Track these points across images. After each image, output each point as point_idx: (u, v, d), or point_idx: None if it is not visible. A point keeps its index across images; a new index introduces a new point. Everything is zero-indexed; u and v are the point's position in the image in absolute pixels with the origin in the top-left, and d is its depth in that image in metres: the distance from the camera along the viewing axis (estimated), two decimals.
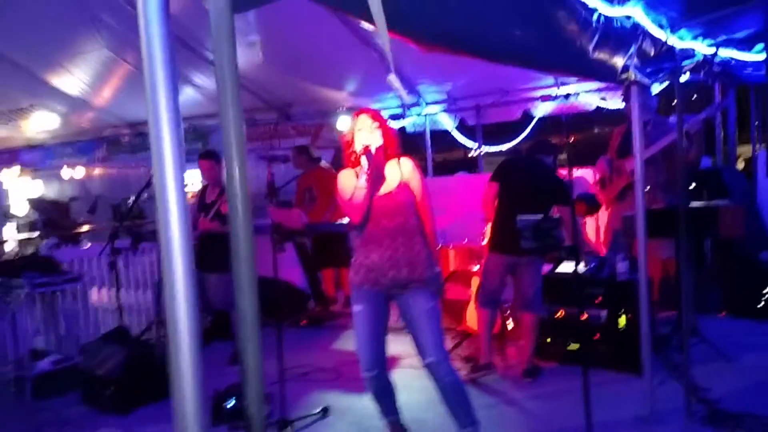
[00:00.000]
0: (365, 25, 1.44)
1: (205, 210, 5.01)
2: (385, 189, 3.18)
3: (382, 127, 3.19)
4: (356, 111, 3.33)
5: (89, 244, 6.08)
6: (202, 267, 4.64)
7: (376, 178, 3.12)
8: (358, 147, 3.15)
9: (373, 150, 3.08)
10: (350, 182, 3.19)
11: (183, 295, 1.22)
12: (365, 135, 3.14)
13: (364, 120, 3.18)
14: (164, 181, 1.20)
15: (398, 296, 3.17)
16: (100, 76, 6.68)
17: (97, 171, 9.24)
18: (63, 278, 4.78)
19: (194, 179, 5.48)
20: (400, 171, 3.19)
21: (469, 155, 8.35)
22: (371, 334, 3.19)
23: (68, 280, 4.82)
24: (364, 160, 3.08)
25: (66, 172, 9.28)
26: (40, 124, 7.79)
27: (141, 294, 5.77)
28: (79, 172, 9.20)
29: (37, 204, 6.08)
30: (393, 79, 1.84)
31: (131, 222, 5.69)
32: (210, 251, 4.63)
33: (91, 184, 9.23)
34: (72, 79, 6.73)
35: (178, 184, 1.22)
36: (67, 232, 5.91)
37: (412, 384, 4.07)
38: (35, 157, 9.28)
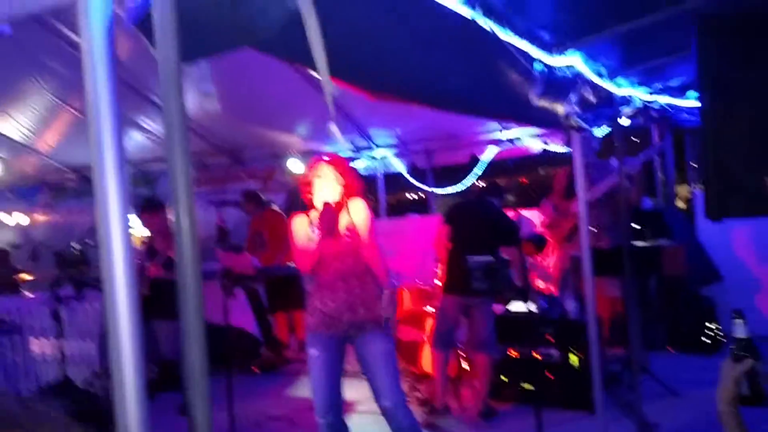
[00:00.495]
0: (313, 73, 1.47)
1: (154, 256, 4.91)
2: (338, 230, 3.18)
3: (345, 174, 3.20)
4: (317, 157, 3.33)
5: (31, 294, 5.86)
6: (152, 315, 4.52)
7: (329, 231, 3.12)
8: (316, 198, 3.16)
9: (330, 204, 3.10)
10: (303, 230, 3.19)
11: (129, 346, 1.19)
12: (324, 186, 3.15)
13: (325, 170, 3.18)
14: (108, 228, 1.18)
15: (354, 339, 3.15)
16: (43, 121, 6.54)
17: (40, 217, 8.95)
18: (2, 329, 4.58)
19: (139, 225, 5.37)
20: (350, 213, 3.21)
21: (419, 197, 8.46)
22: (326, 379, 3.15)
23: (6, 331, 4.61)
24: (318, 213, 3.10)
25: (6, 219, 8.95)
26: None
27: (85, 344, 5.55)
28: (20, 219, 8.89)
29: None
30: (333, 129, 1.88)
31: (75, 269, 5.51)
32: (160, 298, 4.51)
33: (34, 230, 8.93)
34: (14, 124, 6.56)
35: (122, 230, 1.21)
36: (6, 281, 5.68)
37: (369, 430, 4.01)
38: None
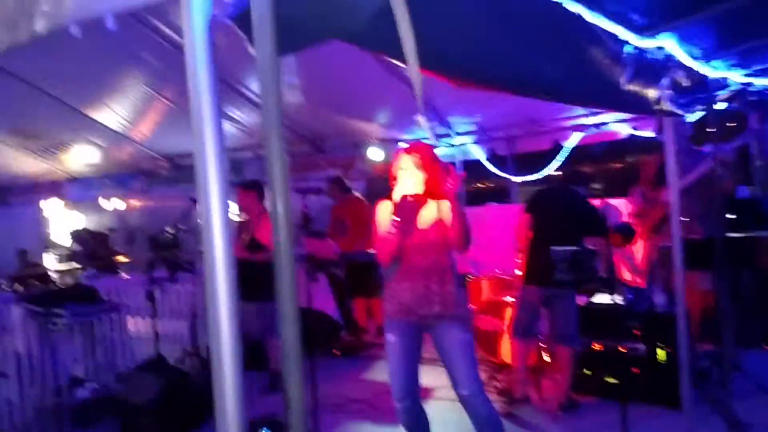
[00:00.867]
0: (398, 63, 1.48)
1: (240, 236, 5.07)
2: (421, 225, 3.18)
3: (429, 167, 3.13)
4: (401, 148, 3.28)
5: (127, 275, 6.21)
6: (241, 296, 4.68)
7: (407, 224, 3.11)
8: (396, 190, 3.12)
9: (407, 197, 3.08)
10: (385, 216, 3.19)
11: (227, 326, 1.25)
12: (406, 177, 3.12)
13: (408, 161, 3.15)
14: (209, 212, 1.24)
15: (431, 328, 3.17)
16: (138, 111, 6.89)
17: (135, 203, 9.46)
18: (102, 307, 4.89)
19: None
20: (439, 209, 3.16)
21: (499, 185, 8.35)
22: (403, 364, 3.19)
23: (107, 310, 4.92)
24: (395, 205, 3.08)
25: (105, 204, 9.52)
26: (81, 157, 8.04)
27: (177, 323, 5.85)
28: (117, 204, 9.43)
29: (78, 235, 6.24)
30: (422, 120, 1.88)
31: (168, 252, 5.80)
32: (247, 280, 4.66)
33: (129, 215, 9.45)
34: (112, 115, 6.95)
35: (222, 215, 1.26)
36: (105, 262, 6.05)
37: (447, 416, 4.04)
38: (75, 189, 9.54)
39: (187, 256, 5.86)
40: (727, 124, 5.81)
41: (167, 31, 4.87)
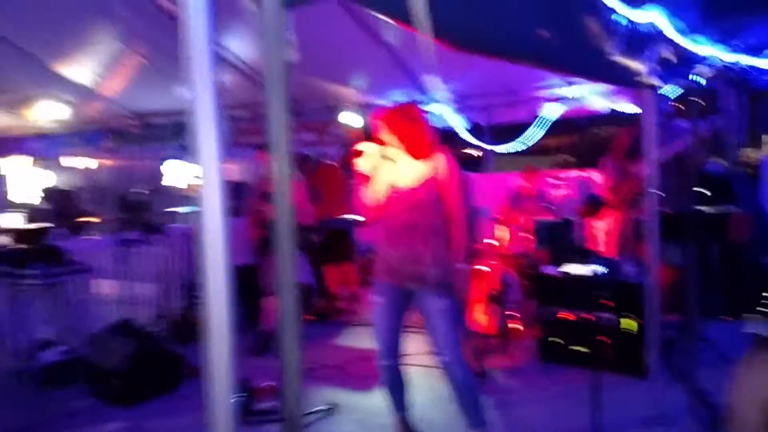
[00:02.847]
0: (389, 21, 1.44)
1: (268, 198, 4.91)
2: (407, 183, 3.17)
3: (411, 128, 3.15)
4: (382, 109, 3.28)
5: (97, 235, 6.08)
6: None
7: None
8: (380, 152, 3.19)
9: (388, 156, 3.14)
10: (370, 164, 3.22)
11: (221, 286, 1.22)
12: (390, 139, 3.17)
13: (390, 121, 3.17)
14: (208, 172, 1.19)
15: (416, 293, 3.18)
16: (109, 67, 6.66)
17: (104, 162, 9.22)
18: (71, 269, 4.78)
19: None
20: (431, 166, 3.14)
21: (477, 154, 8.35)
22: (388, 325, 3.24)
23: (77, 271, 4.82)
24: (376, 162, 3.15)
25: (72, 162, 9.26)
26: (47, 113, 7.76)
27: (147, 286, 5.77)
28: (85, 163, 9.18)
29: (48, 194, 6.06)
30: (431, 80, 1.84)
31: (138, 214, 5.68)
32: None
33: (97, 174, 9.21)
34: (81, 69, 6.70)
35: (218, 174, 1.22)
36: (75, 222, 5.90)
37: (422, 382, 4.09)
38: (40, 146, 9.25)
39: (157, 217, 5.75)
40: (705, 101, 5.88)
41: None
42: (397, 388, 3.36)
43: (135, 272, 5.73)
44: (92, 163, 9.15)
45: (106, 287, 5.65)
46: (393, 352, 3.26)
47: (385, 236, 3.22)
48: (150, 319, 5.50)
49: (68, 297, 4.99)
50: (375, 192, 3.16)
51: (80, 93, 7.19)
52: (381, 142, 3.17)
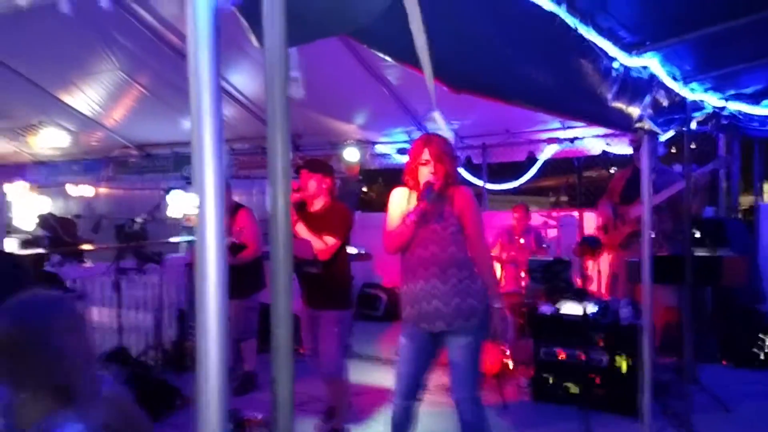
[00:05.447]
0: (395, 62, 1.48)
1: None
2: (435, 217, 3.06)
3: (445, 158, 3.03)
4: (422, 138, 3.16)
5: (92, 264, 6.06)
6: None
7: (428, 215, 3.01)
8: (420, 178, 3.04)
9: (431, 183, 2.96)
10: (401, 205, 3.12)
11: (215, 318, 1.22)
12: (425, 168, 3.02)
13: (427, 151, 3.03)
14: (204, 203, 1.21)
15: (442, 335, 3.08)
16: (111, 97, 6.74)
17: (103, 190, 9.25)
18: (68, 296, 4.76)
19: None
20: (451, 201, 3.06)
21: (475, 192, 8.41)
22: (410, 370, 3.13)
23: (72, 298, 4.80)
24: (420, 195, 3.01)
25: (71, 190, 9.28)
26: (49, 140, 7.83)
27: (141, 315, 5.74)
28: (84, 191, 9.20)
29: (44, 220, 6.06)
30: (437, 117, 1.89)
31: (135, 243, 5.68)
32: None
33: (96, 203, 9.23)
34: (83, 98, 6.79)
35: (218, 206, 1.23)
36: (71, 249, 5.90)
37: (429, 420, 4.00)
38: (41, 173, 9.30)
39: (154, 247, 5.75)
40: (700, 146, 5.98)
41: (146, 15, 4.79)
42: (404, 427, 3.21)
43: (130, 301, 5.71)
44: (89, 191, 9.17)
45: (100, 315, 5.62)
46: (411, 395, 3.13)
47: (404, 270, 3.12)
48: (144, 348, 5.46)
49: None
50: (409, 220, 3.01)
51: (81, 121, 7.27)
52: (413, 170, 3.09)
